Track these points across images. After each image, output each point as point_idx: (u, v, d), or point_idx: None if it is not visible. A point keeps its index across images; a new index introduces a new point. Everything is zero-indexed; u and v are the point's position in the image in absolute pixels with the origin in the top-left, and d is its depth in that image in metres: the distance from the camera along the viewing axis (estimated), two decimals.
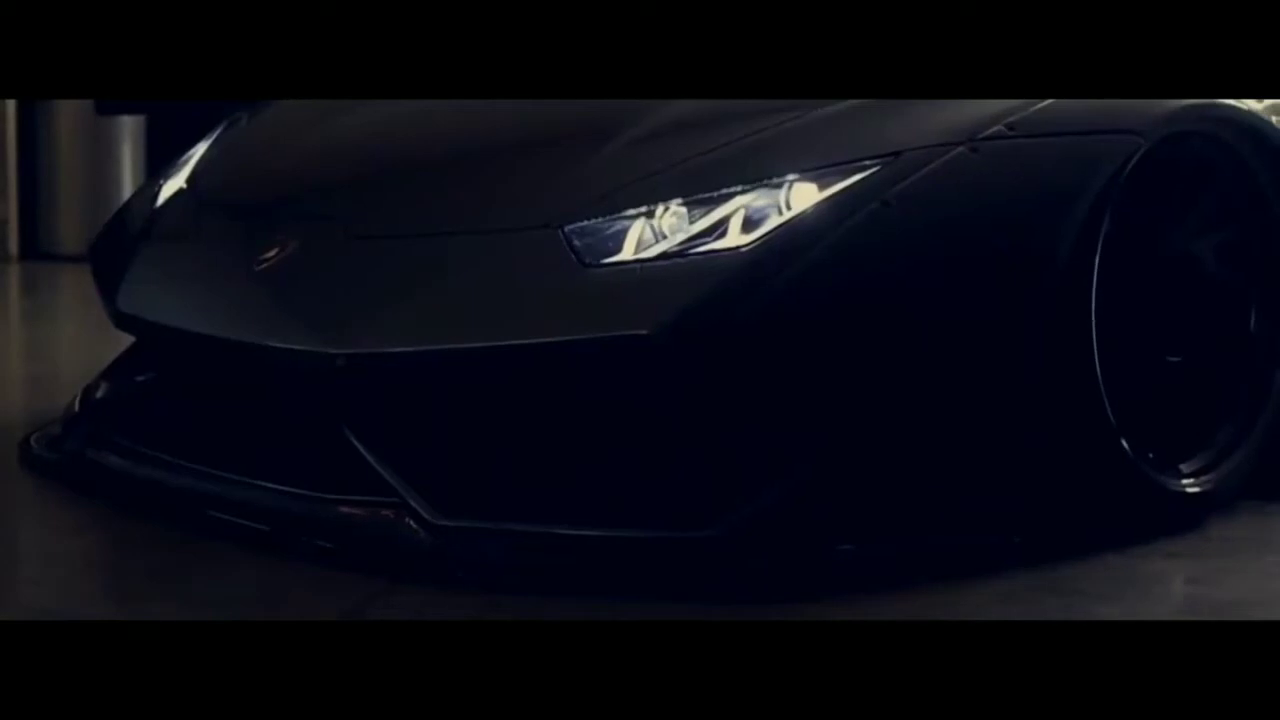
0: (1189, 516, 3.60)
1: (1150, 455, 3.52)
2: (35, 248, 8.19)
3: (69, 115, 8.13)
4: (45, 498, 3.72)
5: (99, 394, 3.86)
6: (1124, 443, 3.43)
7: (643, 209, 3.28)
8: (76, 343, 6.17)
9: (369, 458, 3.27)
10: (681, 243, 3.22)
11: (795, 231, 3.19)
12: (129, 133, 8.21)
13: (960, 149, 3.31)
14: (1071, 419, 3.36)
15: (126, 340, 3.99)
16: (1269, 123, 3.67)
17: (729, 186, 3.27)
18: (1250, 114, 3.64)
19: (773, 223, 3.21)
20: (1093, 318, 3.36)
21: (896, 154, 3.28)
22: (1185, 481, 3.59)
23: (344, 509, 3.28)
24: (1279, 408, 3.74)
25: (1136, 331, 3.56)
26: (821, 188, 3.24)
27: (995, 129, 3.34)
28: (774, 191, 3.25)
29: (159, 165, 4.42)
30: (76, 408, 3.84)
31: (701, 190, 3.28)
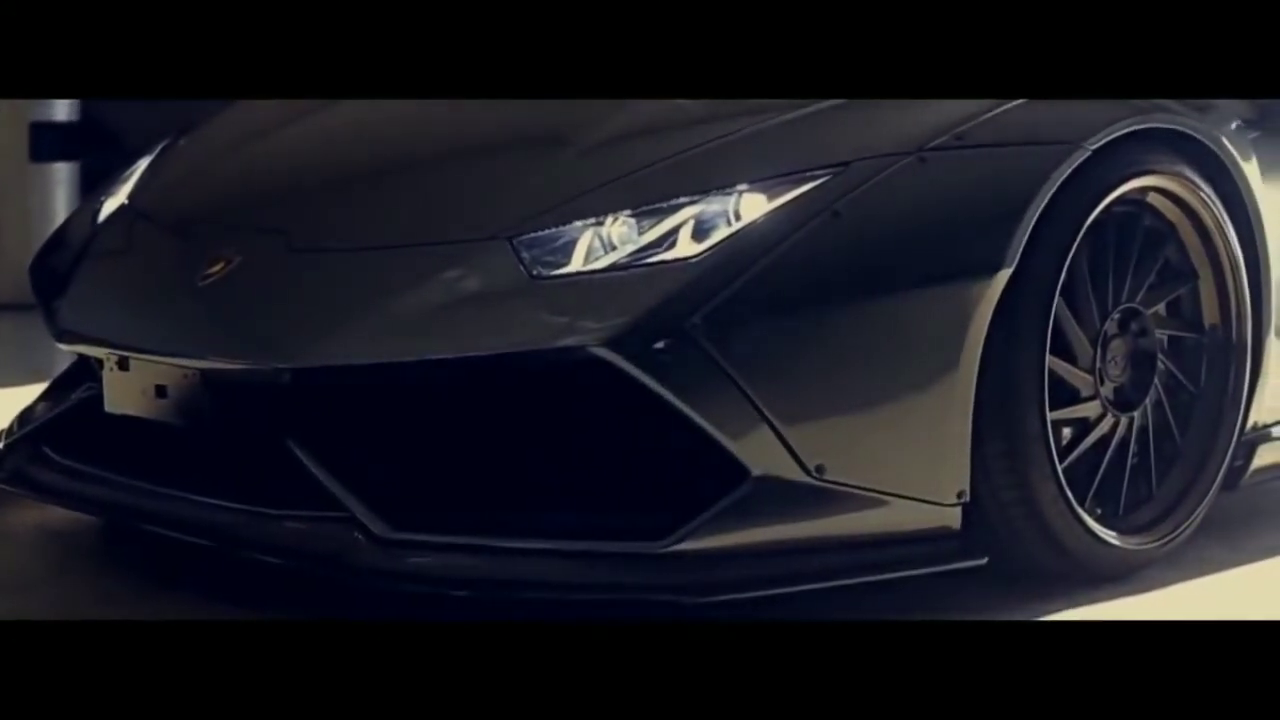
0: (1129, 566, 3.55)
1: (1099, 511, 3.48)
2: None
3: (1, 161, 8.05)
4: None
5: (40, 412, 3.80)
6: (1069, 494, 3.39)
7: (592, 220, 3.26)
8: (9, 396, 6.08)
9: (316, 472, 3.22)
10: (631, 254, 3.20)
11: (745, 242, 3.18)
12: (63, 180, 8.14)
13: (909, 159, 3.31)
14: (1016, 432, 3.33)
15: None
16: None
17: (678, 197, 3.26)
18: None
19: (722, 233, 3.19)
20: (1049, 332, 3.35)
21: (846, 164, 3.28)
22: (1129, 537, 3.53)
23: (290, 524, 3.23)
24: (1222, 462, 3.68)
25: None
26: (771, 198, 3.23)
27: (943, 139, 3.34)
28: (723, 201, 3.24)
29: None
30: (15, 427, 3.78)
31: (650, 200, 3.26)
